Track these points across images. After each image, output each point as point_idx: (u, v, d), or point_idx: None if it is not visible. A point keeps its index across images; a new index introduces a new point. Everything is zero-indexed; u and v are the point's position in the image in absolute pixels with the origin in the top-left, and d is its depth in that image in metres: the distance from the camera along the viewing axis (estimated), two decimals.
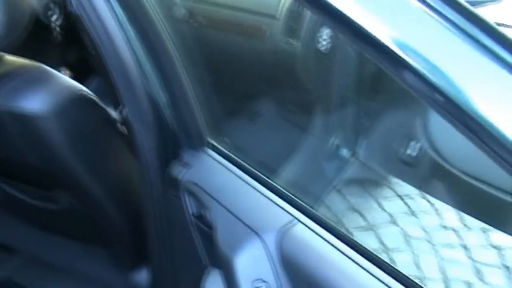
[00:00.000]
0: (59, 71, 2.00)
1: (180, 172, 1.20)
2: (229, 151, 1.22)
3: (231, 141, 1.33)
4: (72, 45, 1.92)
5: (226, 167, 1.18)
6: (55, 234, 1.74)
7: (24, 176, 1.55)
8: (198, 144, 1.22)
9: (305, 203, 1.08)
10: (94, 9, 1.09)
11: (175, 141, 1.21)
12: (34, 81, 1.24)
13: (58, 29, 1.94)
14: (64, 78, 1.27)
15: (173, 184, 1.21)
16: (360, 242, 0.99)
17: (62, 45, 2.02)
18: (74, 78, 2.02)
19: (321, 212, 2.40)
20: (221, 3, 2.18)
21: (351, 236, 1.01)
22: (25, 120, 1.21)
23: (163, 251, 1.37)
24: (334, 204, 2.44)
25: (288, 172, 2.04)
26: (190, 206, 1.21)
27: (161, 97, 1.19)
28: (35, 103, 1.21)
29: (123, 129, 1.40)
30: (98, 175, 1.36)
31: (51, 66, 1.98)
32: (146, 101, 1.17)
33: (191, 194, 1.19)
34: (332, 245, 0.97)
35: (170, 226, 1.31)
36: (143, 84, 1.16)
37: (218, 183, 1.17)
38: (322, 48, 2.06)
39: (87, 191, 1.37)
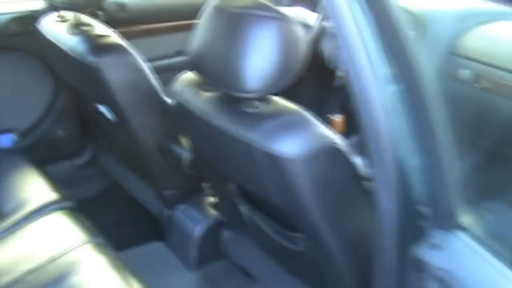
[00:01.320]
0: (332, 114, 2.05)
1: (427, 254, 1.10)
2: (489, 239, 1.08)
3: (492, 226, 1.17)
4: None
5: (485, 258, 1.04)
6: (290, 272, 1.75)
7: (271, 212, 1.60)
8: (448, 224, 1.10)
9: None
10: (354, 66, 1.06)
11: (421, 216, 1.11)
12: (291, 125, 1.26)
13: (341, 74, 1.99)
14: (320, 126, 1.27)
15: (417, 265, 1.11)
16: None
17: (340, 90, 2.06)
18: (347, 124, 2.07)
19: None
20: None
21: None
22: (275, 161, 1.24)
23: None
24: None
25: None
26: None
27: (412, 162, 1.10)
28: (287, 146, 1.22)
29: (369, 187, 1.35)
30: (336, 226, 1.33)
31: (325, 108, 2.04)
32: (393, 164, 1.10)
33: (441, 281, 1.07)
34: None
35: None
36: (393, 144, 1.08)
37: (473, 275, 1.04)
38: None
39: (321, 240, 1.35)
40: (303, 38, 1.27)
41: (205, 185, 2.20)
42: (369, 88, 1.06)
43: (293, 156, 1.22)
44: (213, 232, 2.05)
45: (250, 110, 1.31)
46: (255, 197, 1.64)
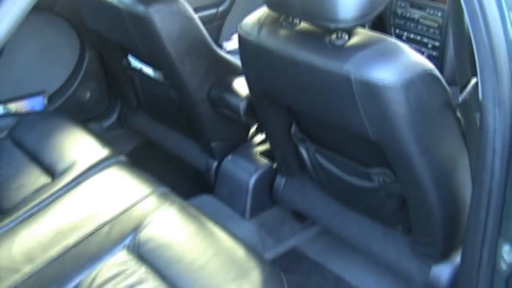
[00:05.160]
0: None
1: None
2: None
3: None
4: None
5: None
6: (356, 211, 1.77)
7: (345, 149, 1.60)
8: None
9: None
10: None
11: None
12: (386, 53, 1.26)
13: None
14: (415, 53, 1.27)
15: None
16: None
17: None
18: None
19: None
20: None
21: None
22: (373, 89, 1.24)
23: (483, 245, 1.29)
24: None
25: None
26: None
27: None
28: (385, 74, 1.22)
29: (459, 114, 1.36)
30: (428, 156, 1.34)
31: None
32: (508, 81, 1.11)
33: None
34: None
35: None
36: (509, 60, 1.10)
37: None
38: None
39: (413, 170, 1.35)
40: None
41: (253, 135, 2.19)
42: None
43: (393, 83, 1.22)
44: (265, 180, 2.05)
45: (339, 42, 1.30)
46: (324, 137, 1.65)
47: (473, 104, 1.27)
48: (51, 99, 2.47)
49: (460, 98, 1.31)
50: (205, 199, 2.16)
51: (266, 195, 2.06)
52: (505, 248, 1.27)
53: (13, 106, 2.31)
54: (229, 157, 2.13)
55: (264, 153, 2.11)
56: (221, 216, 2.04)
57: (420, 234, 1.56)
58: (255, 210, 2.07)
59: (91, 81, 2.57)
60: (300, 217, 2.07)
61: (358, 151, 1.56)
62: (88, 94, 2.59)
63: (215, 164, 2.16)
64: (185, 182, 2.31)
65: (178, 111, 2.18)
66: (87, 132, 2.03)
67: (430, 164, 1.35)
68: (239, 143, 2.16)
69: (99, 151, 1.91)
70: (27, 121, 2.11)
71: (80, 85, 2.54)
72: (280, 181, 2.00)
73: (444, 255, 1.54)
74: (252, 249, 1.45)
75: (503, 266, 1.29)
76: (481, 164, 1.20)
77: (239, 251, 1.44)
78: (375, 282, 1.86)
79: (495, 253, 1.29)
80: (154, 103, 2.36)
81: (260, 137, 2.19)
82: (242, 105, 1.89)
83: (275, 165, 2.04)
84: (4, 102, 2.31)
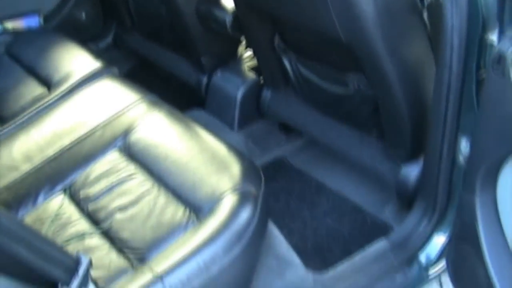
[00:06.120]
0: None
1: (508, 48, 1.09)
2: None
3: None
4: None
5: None
6: (336, 119, 1.87)
7: (323, 56, 1.69)
8: None
9: None
10: None
11: (485, 26, 1.21)
12: None
13: None
14: None
15: (497, 60, 1.12)
16: None
17: None
18: None
19: None
20: None
21: None
22: None
23: (443, 140, 1.40)
24: None
25: None
26: None
27: None
28: None
29: (425, 19, 1.44)
30: (396, 56, 1.43)
31: None
32: None
33: None
34: None
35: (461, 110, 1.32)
36: None
37: None
38: None
39: (382, 71, 1.45)
40: None
41: (241, 50, 2.27)
42: None
43: None
44: (253, 94, 2.15)
45: None
46: (305, 43, 1.73)
47: (438, 8, 1.34)
48: (46, 19, 2.55)
49: (426, 1, 1.39)
50: (197, 113, 2.27)
51: (254, 108, 2.16)
52: (463, 142, 1.38)
53: (10, 24, 2.39)
54: (218, 72, 2.22)
55: (252, 69, 2.20)
56: (211, 129, 2.15)
57: (390, 135, 1.66)
58: (243, 122, 2.17)
59: (85, 1, 2.64)
60: (286, 130, 2.18)
61: (334, 57, 1.65)
62: (83, 15, 2.66)
63: (205, 79, 2.25)
64: (179, 98, 2.39)
65: (170, 28, 2.26)
66: (82, 48, 2.12)
67: (398, 65, 1.44)
68: (228, 59, 2.25)
69: (93, 64, 2.00)
70: (24, 38, 2.20)
71: (75, 5, 2.61)
72: (266, 94, 2.10)
73: (412, 156, 1.64)
74: (232, 147, 1.56)
75: (461, 159, 1.40)
76: (441, 60, 1.29)
77: (221, 149, 1.55)
78: (354, 188, 1.97)
79: (454, 147, 1.40)
80: (147, 22, 2.44)
81: (248, 53, 2.28)
82: (229, 19, 1.97)
83: (262, 80, 2.13)
84: (0, 20, 2.39)
